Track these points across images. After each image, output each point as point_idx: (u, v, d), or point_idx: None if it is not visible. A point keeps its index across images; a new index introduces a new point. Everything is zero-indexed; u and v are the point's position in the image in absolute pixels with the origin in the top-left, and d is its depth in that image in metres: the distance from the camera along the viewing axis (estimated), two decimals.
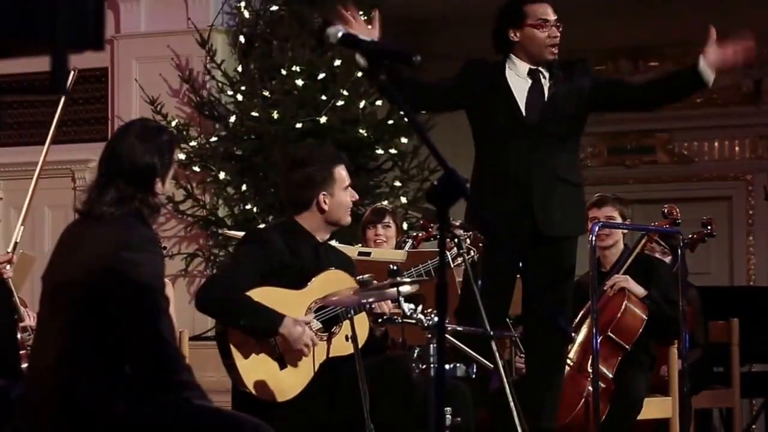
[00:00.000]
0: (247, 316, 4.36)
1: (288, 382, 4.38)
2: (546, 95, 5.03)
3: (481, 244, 4.68)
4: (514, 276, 5.08)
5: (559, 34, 5.00)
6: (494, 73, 5.07)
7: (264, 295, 4.40)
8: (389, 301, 4.37)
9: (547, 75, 5.06)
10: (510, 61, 5.07)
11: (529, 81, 5.05)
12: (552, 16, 5.01)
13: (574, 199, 5.11)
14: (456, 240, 4.56)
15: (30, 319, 5.00)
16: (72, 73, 5.18)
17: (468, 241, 4.63)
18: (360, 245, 6.77)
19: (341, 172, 4.63)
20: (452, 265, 4.68)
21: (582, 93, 5.06)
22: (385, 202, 6.68)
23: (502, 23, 5.08)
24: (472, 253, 4.63)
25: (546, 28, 5.00)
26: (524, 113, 5.00)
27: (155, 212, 3.69)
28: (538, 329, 5.04)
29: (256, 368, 4.36)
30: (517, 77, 5.06)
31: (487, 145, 5.10)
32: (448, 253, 4.64)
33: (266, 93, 8.07)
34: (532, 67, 5.05)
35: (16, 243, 5.14)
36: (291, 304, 4.43)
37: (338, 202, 4.60)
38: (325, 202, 4.58)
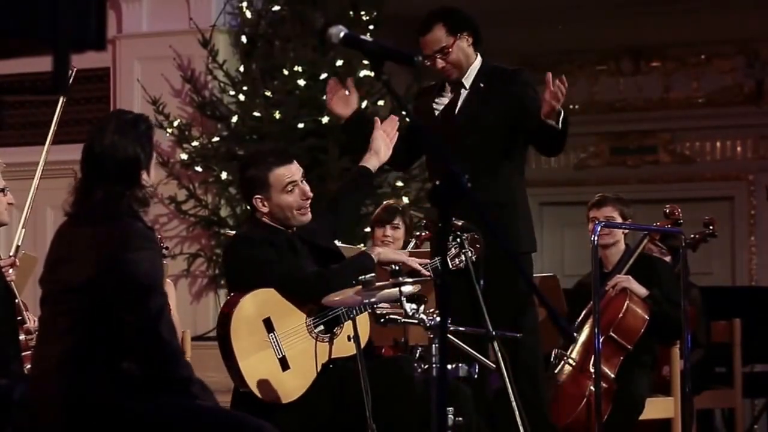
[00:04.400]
0: (348, 276, 4.28)
1: (291, 384, 4.36)
2: (459, 107, 5.05)
3: (478, 245, 4.63)
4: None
5: (440, 65, 5.00)
6: (429, 96, 5.16)
7: (265, 297, 4.39)
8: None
9: (468, 87, 5.08)
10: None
11: (450, 95, 5.11)
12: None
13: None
14: (458, 240, 4.54)
15: (31, 321, 4.99)
16: (70, 72, 5.17)
17: (466, 244, 4.59)
18: (362, 245, 6.75)
19: (279, 174, 4.49)
20: (451, 266, 4.64)
21: (503, 106, 5.01)
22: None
23: None
24: (470, 254, 4.57)
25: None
26: (441, 124, 5.02)
27: (145, 205, 3.67)
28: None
29: (258, 370, 4.33)
30: (443, 95, 5.13)
31: None
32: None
33: (268, 93, 8.07)
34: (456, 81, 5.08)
35: (18, 246, 5.13)
36: (294, 304, 4.42)
37: (277, 205, 4.49)
38: (264, 204, 4.50)
